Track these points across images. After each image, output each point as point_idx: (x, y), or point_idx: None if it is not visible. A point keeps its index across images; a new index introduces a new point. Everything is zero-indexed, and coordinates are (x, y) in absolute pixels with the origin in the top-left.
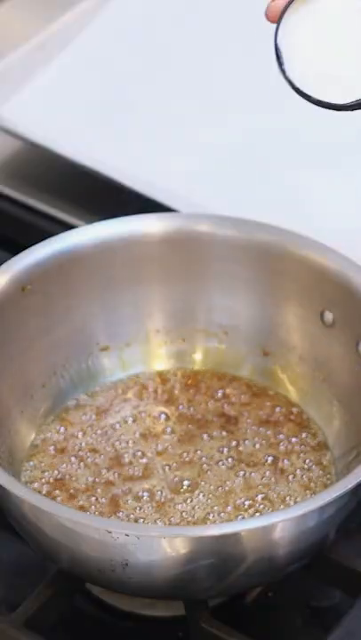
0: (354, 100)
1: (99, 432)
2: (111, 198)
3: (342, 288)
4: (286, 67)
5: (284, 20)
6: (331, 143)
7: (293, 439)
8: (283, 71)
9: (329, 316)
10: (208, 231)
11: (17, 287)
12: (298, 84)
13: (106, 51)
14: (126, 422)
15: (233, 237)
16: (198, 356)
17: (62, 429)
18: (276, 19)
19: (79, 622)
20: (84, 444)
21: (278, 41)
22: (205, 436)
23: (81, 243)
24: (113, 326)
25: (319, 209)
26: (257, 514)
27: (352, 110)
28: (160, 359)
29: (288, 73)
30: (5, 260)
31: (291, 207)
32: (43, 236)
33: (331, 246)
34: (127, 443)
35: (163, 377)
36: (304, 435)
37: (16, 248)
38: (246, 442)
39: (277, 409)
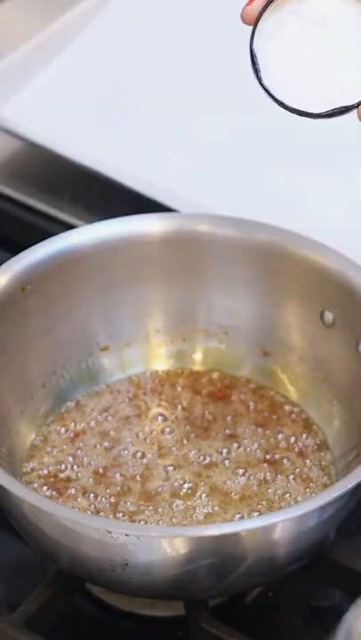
0: (329, 108)
1: (99, 432)
2: (111, 198)
3: (342, 288)
4: (262, 73)
5: (260, 25)
6: (331, 143)
7: (293, 439)
8: (258, 78)
9: (329, 316)
10: (208, 231)
11: (17, 287)
12: (273, 91)
13: (106, 51)
14: (126, 422)
15: (233, 237)
16: (198, 356)
17: (62, 429)
18: (252, 22)
19: (79, 622)
20: (83, 445)
21: (254, 46)
22: (205, 436)
23: (81, 243)
24: (113, 326)
25: (319, 209)
26: (257, 514)
27: (327, 118)
28: (160, 359)
29: (263, 79)
30: (5, 260)
31: (291, 207)
32: (43, 236)
33: (331, 246)
34: (127, 443)
35: (163, 377)
36: (304, 435)
37: (16, 248)
38: (246, 442)
39: (277, 409)
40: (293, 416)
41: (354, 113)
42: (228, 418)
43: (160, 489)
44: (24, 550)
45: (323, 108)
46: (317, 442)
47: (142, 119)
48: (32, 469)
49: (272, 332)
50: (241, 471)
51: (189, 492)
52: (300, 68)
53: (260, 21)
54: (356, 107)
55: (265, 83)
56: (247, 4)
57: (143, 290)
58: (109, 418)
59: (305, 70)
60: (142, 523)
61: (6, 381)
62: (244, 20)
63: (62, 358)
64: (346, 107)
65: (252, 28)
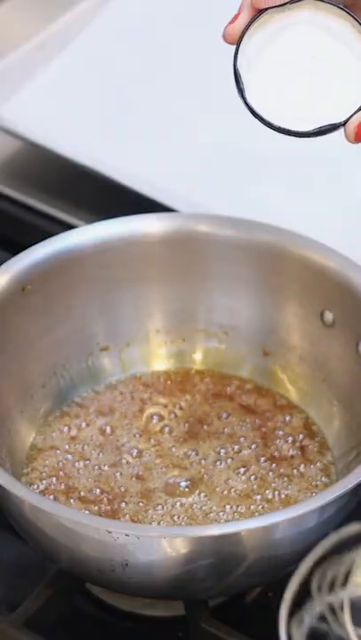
0: (316, 127)
1: (98, 432)
2: (111, 198)
3: (342, 288)
4: (246, 92)
5: (242, 44)
6: (331, 143)
7: (293, 439)
8: (243, 97)
9: (329, 316)
10: (208, 231)
11: (17, 287)
12: (258, 110)
13: (106, 51)
14: (126, 422)
15: (233, 237)
16: (198, 356)
17: (62, 429)
18: (235, 41)
19: (79, 622)
20: (83, 445)
21: (238, 65)
22: (205, 436)
23: (81, 243)
24: (113, 326)
25: (319, 209)
26: (257, 514)
27: (314, 137)
28: (160, 359)
29: (248, 99)
30: (5, 260)
31: (291, 207)
32: (43, 235)
33: (331, 246)
34: (127, 443)
35: (163, 377)
36: (304, 435)
37: (16, 248)
38: (246, 442)
39: (277, 409)
40: (293, 416)
41: (341, 130)
42: (228, 418)
43: (160, 488)
44: (24, 550)
45: (309, 126)
46: (317, 442)
47: (142, 119)
48: (32, 469)
49: (272, 332)
50: (241, 471)
51: (189, 491)
52: (285, 87)
53: (244, 39)
54: (344, 124)
55: (250, 102)
56: (230, 23)
57: (143, 290)
58: (109, 418)
59: (291, 88)
60: (142, 522)
61: (6, 381)
62: (227, 40)
63: (62, 358)
64: (333, 124)
65: (235, 46)
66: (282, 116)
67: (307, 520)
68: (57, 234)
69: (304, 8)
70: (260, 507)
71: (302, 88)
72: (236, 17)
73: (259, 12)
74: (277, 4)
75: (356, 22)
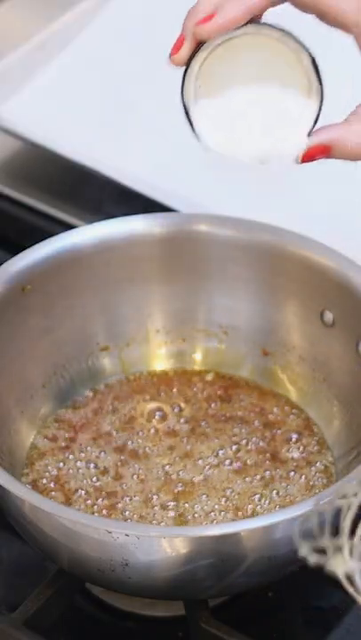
0: (264, 158)
1: (99, 432)
2: (111, 198)
3: (342, 288)
4: (195, 125)
5: (188, 76)
6: None
7: (293, 439)
8: (193, 131)
9: (329, 316)
10: (208, 231)
11: (17, 287)
12: (208, 144)
13: (106, 51)
14: (126, 422)
15: (233, 237)
16: (198, 356)
17: (62, 429)
18: (183, 64)
19: (79, 622)
20: (83, 445)
21: (185, 99)
22: (205, 436)
23: (81, 243)
24: (113, 326)
25: (319, 209)
26: (257, 514)
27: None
28: (160, 359)
29: (196, 129)
30: (5, 260)
31: (291, 207)
32: (43, 235)
33: (331, 246)
34: (127, 443)
35: (163, 377)
36: (304, 435)
37: (16, 248)
38: (246, 442)
39: (277, 409)
40: (293, 416)
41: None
42: (228, 418)
43: (160, 488)
44: (24, 550)
45: (252, 160)
46: (317, 442)
47: (142, 119)
48: (32, 469)
49: (272, 332)
50: (241, 471)
51: (189, 491)
52: (233, 118)
53: (188, 71)
54: (293, 156)
55: (199, 135)
56: (173, 53)
57: (143, 290)
58: (109, 418)
59: (238, 120)
60: (142, 522)
61: (6, 381)
62: (173, 64)
63: (62, 358)
64: (281, 156)
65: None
66: (231, 146)
67: None
68: (57, 234)
69: (248, 36)
70: (259, 507)
71: (250, 118)
72: (178, 45)
73: (202, 42)
74: (220, 34)
75: (299, 46)
